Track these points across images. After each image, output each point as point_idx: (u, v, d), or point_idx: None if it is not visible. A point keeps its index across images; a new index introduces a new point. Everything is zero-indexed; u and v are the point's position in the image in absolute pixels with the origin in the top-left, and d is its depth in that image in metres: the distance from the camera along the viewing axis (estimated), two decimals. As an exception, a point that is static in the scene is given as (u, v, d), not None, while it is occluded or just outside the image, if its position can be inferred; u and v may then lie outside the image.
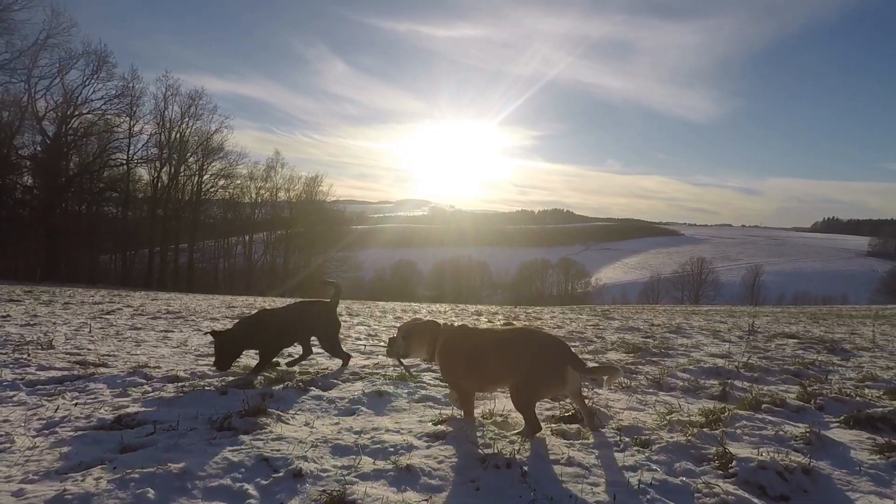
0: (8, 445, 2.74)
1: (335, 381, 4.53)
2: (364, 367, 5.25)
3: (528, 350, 3.07)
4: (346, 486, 2.28)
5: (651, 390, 4.54)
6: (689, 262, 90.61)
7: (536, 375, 3.01)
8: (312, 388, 4.20)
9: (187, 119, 48.18)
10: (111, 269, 49.85)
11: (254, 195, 58.90)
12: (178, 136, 47.90)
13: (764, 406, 3.65)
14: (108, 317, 9.55)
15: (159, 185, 48.17)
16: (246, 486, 2.29)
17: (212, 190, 53.09)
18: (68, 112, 40.51)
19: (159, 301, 15.29)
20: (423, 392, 4.23)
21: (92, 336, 6.86)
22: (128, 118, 42.96)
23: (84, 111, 40.75)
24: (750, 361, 5.85)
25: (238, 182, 54.87)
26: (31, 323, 7.95)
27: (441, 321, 3.59)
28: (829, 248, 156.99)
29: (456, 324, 3.59)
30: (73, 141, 42.50)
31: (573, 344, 7.61)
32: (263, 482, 2.36)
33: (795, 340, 8.45)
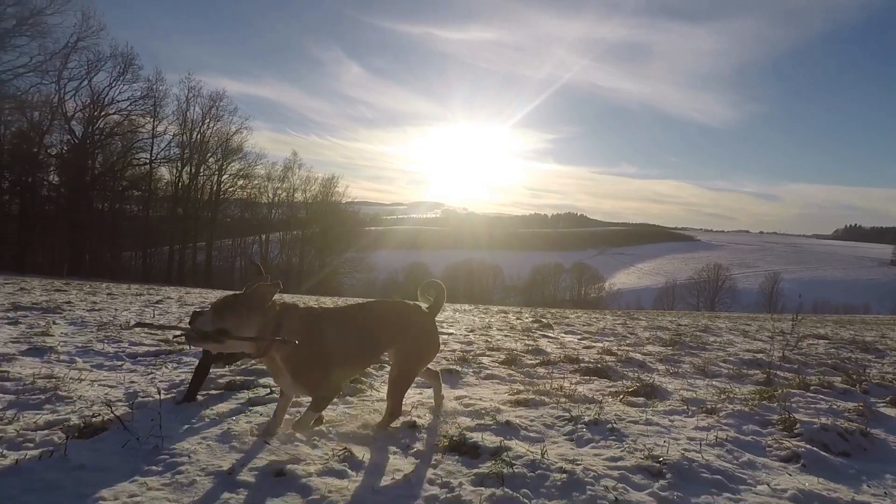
0: (150, 399, 3.13)
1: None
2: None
3: (415, 320, 2.92)
4: (461, 435, 2.62)
5: (697, 376, 4.83)
6: (705, 269, 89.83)
7: (428, 348, 2.96)
8: (385, 365, 4.56)
9: (208, 120, 49.12)
10: (132, 265, 50.88)
11: (271, 195, 59.66)
12: (198, 136, 48.86)
13: (812, 388, 3.94)
14: (158, 305, 10.04)
15: (180, 184, 49.10)
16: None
17: (230, 190, 53.98)
18: (95, 113, 41.55)
19: (192, 294, 15.83)
20: (487, 371, 4.57)
21: (159, 320, 7.31)
22: (151, 119, 43.97)
23: (110, 112, 41.80)
24: (787, 355, 6.10)
25: (256, 182, 55.67)
26: (95, 308, 8.44)
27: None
28: (850, 256, 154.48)
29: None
30: (99, 140, 43.56)
31: (608, 339, 7.90)
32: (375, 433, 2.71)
33: (826, 341, 8.64)
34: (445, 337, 7.42)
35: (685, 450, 2.47)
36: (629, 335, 8.62)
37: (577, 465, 2.28)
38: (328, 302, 13.10)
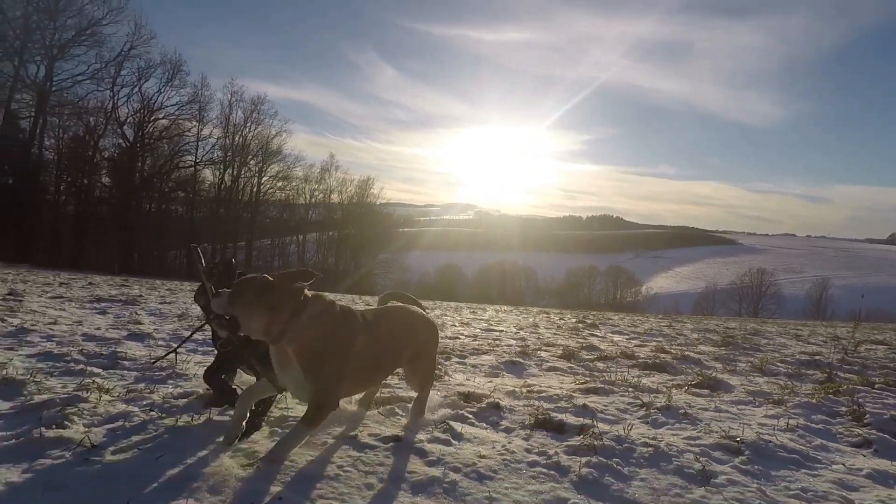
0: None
1: (465, 354, 5.16)
2: (482, 343, 5.87)
3: (424, 324, 2.81)
4: (544, 414, 2.87)
5: (756, 374, 4.91)
6: (748, 273, 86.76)
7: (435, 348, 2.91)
8: (452, 356, 4.85)
9: (250, 123, 50.74)
10: (177, 264, 53.01)
11: (308, 197, 61.04)
12: (240, 139, 50.57)
13: (877, 385, 3.99)
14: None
15: (222, 186, 50.94)
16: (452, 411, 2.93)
17: (270, 191, 55.54)
18: (145, 117, 43.46)
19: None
20: (548, 364, 4.79)
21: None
22: (196, 123, 45.75)
23: (159, 116, 43.72)
24: (846, 357, 6.07)
25: (294, 184, 57.10)
26: (166, 301, 9.07)
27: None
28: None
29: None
30: (148, 144, 45.55)
31: (657, 339, 7.97)
32: (472, 409, 2.99)
33: (886, 346, 8.44)
34: (497, 333, 7.67)
35: (759, 433, 2.65)
36: (677, 336, 8.65)
37: (659, 441, 2.49)
38: (360, 304, 13.56)
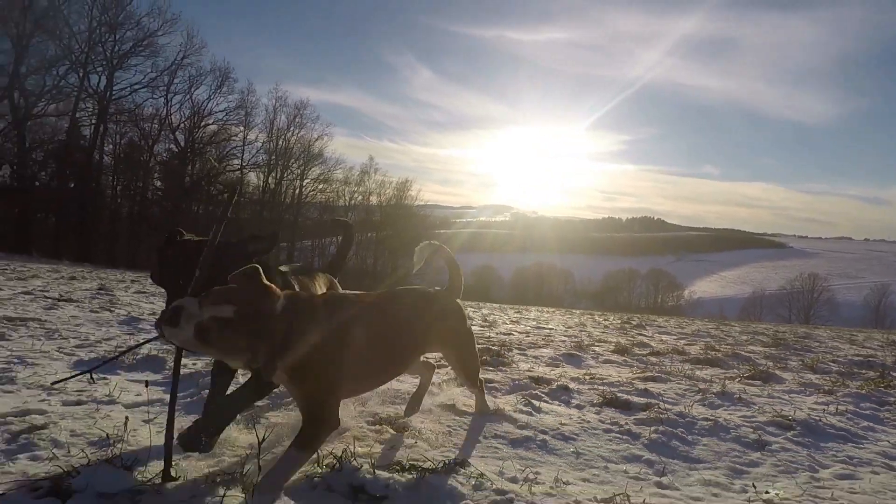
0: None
1: (523, 347, 5.56)
2: (536, 339, 6.26)
3: (447, 308, 2.52)
4: (610, 394, 3.25)
5: (806, 371, 5.10)
6: (799, 278, 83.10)
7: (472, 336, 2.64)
8: (513, 348, 5.26)
9: (293, 128, 52.31)
10: None
11: (348, 199, 62.37)
12: (284, 143, 52.21)
13: (929, 383, 4.16)
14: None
15: (266, 189, 52.71)
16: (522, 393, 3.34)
17: (311, 193, 57.02)
18: (195, 122, 45.38)
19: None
20: (604, 357, 5.14)
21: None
22: (243, 128, 47.56)
23: (209, 122, 45.70)
24: (900, 359, 6.13)
25: (334, 186, 58.54)
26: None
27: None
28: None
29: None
30: (198, 149, 47.45)
31: (704, 339, 8.13)
32: (544, 390, 3.40)
33: (944, 350, 8.31)
34: (548, 330, 8.02)
35: (809, 414, 2.95)
36: (726, 337, 8.77)
37: (717, 417, 2.84)
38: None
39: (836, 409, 3.15)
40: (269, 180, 53.52)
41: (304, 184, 55.74)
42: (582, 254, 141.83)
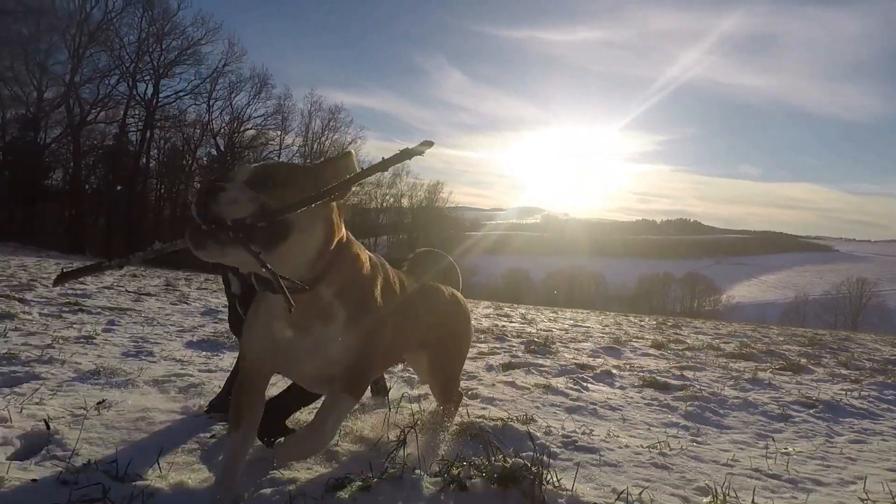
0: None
1: (564, 341, 5.98)
2: (575, 335, 6.66)
3: (458, 309, 2.32)
4: (650, 378, 3.66)
5: (839, 367, 5.34)
6: (846, 283, 79.71)
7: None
8: (556, 342, 5.69)
9: (327, 132, 53.57)
10: None
11: (380, 201, 63.43)
12: (318, 147, 53.47)
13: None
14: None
15: (301, 192, 54.17)
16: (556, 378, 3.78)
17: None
18: (235, 128, 46.96)
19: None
20: (641, 350, 5.51)
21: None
22: (280, 132, 48.97)
23: (248, 127, 47.27)
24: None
25: (367, 189, 59.59)
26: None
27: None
28: None
29: None
30: (238, 153, 49.04)
31: (740, 339, 8.33)
32: (589, 374, 3.82)
33: None
34: (585, 328, 8.39)
35: (832, 396, 3.29)
36: (762, 338, 8.93)
37: (747, 397, 3.21)
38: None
39: (860, 394, 3.46)
40: (304, 184, 54.97)
41: (338, 186, 57.26)
42: (614, 257, 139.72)
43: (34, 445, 1.69)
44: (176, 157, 45.60)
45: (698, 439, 2.39)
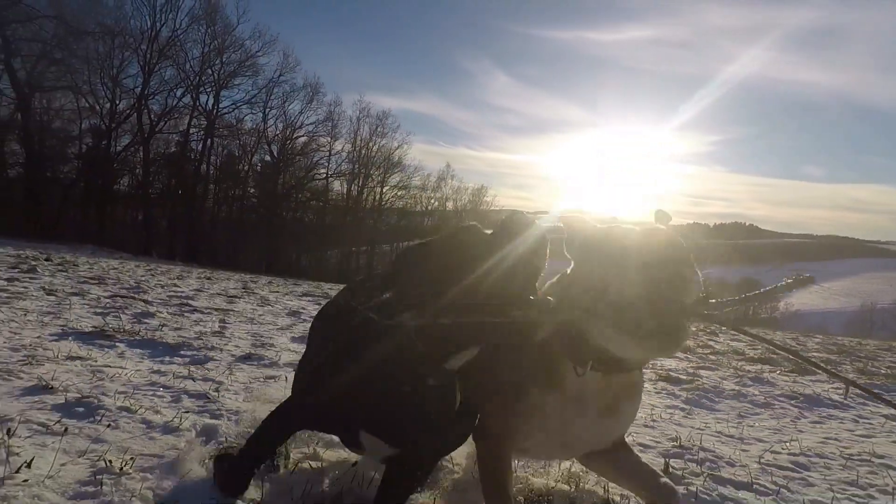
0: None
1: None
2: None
3: None
4: (665, 373, 4.40)
5: (855, 374, 5.83)
6: (918, 291, 74.47)
7: None
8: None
9: (375, 137, 54.98)
10: (309, 266, 58.45)
11: (425, 205, 64.33)
12: (366, 152, 54.99)
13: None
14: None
15: (349, 196, 55.65)
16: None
17: (390, 200, 59.40)
18: (288, 135, 49.14)
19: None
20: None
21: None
22: (330, 139, 50.77)
23: (300, 134, 49.39)
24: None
25: (412, 192, 60.57)
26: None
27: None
28: None
29: None
30: (290, 159, 51.18)
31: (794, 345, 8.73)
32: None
33: None
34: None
35: (816, 392, 3.95)
36: (798, 345, 9.27)
37: (743, 391, 3.93)
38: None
39: (846, 391, 4.08)
40: (352, 188, 56.66)
41: (384, 191, 58.68)
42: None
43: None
44: (232, 163, 48.19)
45: (687, 416, 3.17)
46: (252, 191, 52.72)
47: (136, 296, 6.80)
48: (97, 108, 32.16)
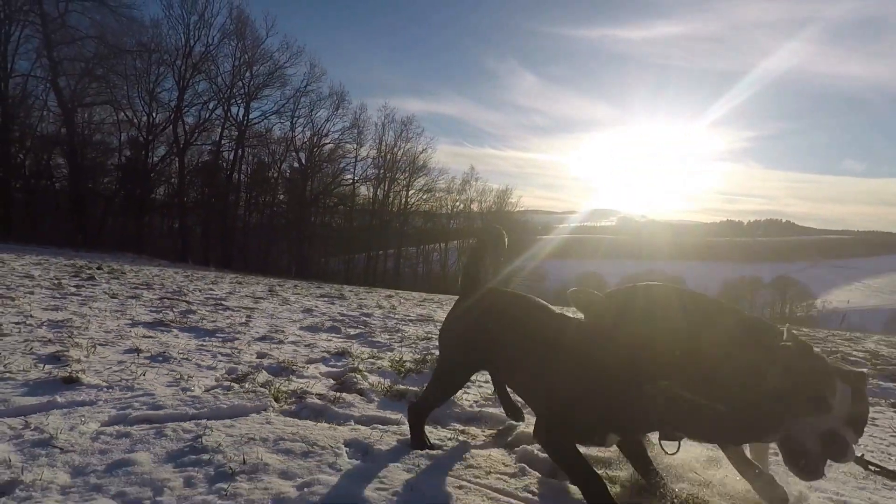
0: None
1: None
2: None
3: None
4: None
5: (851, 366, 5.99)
6: (967, 288, 70.88)
7: None
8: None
9: (400, 142, 55.81)
10: (337, 270, 59.45)
11: (450, 207, 64.80)
12: (391, 157, 55.83)
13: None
14: (390, 299, 13.70)
15: (375, 200, 56.55)
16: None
17: (416, 203, 60.07)
18: (315, 143, 50.31)
19: (412, 299, 19.93)
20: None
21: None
22: (356, 145, 51.74)
23: (326, 142, 50.54)
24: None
25: (438, 195, 61.09)
26: (384, 306, 12.25)
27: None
28: None
29: None
30: (317, 165, 52.30)
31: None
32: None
33: None
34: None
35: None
36: (820, 341, 9.35)
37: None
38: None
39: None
40: (378, 192, 57.59)
41: (410, 194, 59.49)
42: (697, 260, 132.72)
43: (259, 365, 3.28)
44: (262, 171, 49.61)
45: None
46: (281, 197, 54.11)
47: (180, 298, 7.55)
48: (135, 121, 33.80)
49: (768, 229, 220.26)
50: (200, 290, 9.32)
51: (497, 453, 2.29)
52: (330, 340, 4.86)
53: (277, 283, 17.90)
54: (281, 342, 4.53)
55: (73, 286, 7.44)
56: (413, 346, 5.02)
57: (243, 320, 5.76)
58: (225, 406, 2.56)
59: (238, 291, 10.31)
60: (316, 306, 8.65)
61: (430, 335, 5.85)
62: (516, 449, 2.32)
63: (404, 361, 3.97)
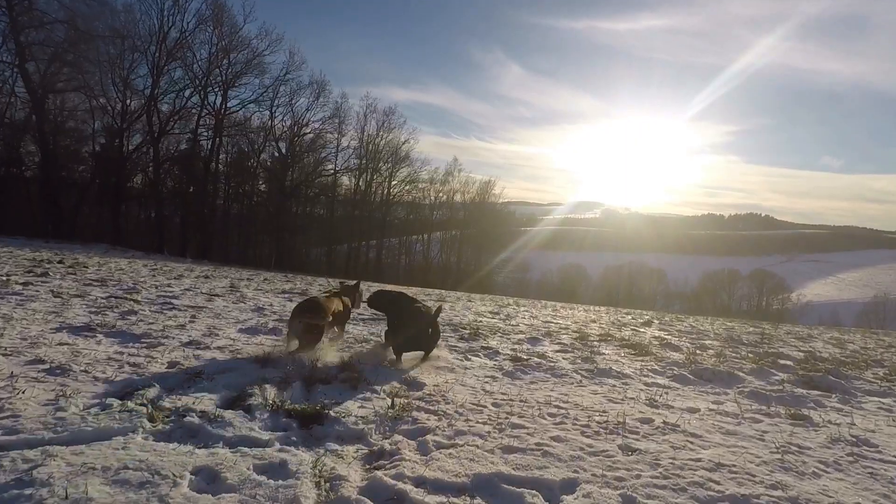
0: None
1: (508, 332, 7.19)
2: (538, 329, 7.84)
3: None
4: (516, 354, 4.90)
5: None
6: (935, 282, 72.93)
7: None
8: (496, 334, 6.93)
9: (382, 132, 55.24)
10: (318, 261, 59.03)
11: (433, 198, 64.58)
12: (373, 147, 55.29)
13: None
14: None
15: (357, 190, 56.00)
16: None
17: (398, 194, 59.72)
18: (295, 132, 49.55)
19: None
20: (559, 342, 6.64)
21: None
22: (337, 135, 51.13)
23: (307, 131, 49.85)
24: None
25: (420, 186, 60.75)
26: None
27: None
28: None
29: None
30: (297, 155, 51.56)
31: (691, 336, 9.09)
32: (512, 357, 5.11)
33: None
34: (556, 325, 9.44)
35: (704, 368, 4.43)
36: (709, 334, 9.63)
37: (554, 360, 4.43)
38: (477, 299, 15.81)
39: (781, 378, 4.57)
40: (360, 182, 57.04)
41: (392, 185, 59.05)
42: (678, 253, 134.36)
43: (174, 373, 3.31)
44: (242, 160, 48.77)
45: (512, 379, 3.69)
46: (262, 187, 53.47)
47: (129, 296, 7.51)
48: (109, 108, 32.99)
49: (747, 223, 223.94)
50: (157, 287, 9.24)
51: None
52: (261, 345, 4.83)
53: (248, 275, 17.63)
54: (207, 347, 4.54)
55: (21, 283, 7.32)
56: (346, 349, 4.99)
57: (184, 322, 5.74)
58: (89, 429, 2.48)
59: (198, 287, 10.22)
60: (270, 304, 8.63)
61: (371, 336, 5.87)
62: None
63: (329, 364, 4.08)
